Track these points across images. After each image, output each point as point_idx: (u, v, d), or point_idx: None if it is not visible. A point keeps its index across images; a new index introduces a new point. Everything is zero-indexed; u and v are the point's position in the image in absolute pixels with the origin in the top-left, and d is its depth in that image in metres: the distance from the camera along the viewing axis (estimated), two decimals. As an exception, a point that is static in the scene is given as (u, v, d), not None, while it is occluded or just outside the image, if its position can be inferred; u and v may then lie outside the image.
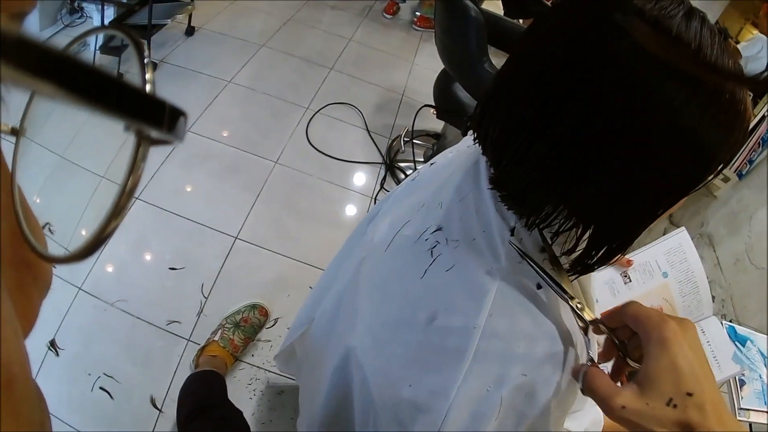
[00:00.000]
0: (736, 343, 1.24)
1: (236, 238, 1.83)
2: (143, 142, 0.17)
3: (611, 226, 0.48)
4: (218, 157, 2.10)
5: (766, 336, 1.32)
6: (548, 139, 0.43)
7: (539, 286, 0.53)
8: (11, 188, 0.22)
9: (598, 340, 0.55)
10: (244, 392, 1.49)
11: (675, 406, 0.43)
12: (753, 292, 1.65)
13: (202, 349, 1.47)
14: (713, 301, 1.70)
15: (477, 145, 0.54)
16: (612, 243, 0.49)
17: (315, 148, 2.27)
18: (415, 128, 2.30)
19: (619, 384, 0.48)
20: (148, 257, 1.73)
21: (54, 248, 0.21)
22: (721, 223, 1.81)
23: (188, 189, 1.96)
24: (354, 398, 0.63)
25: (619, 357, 0.51)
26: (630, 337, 0.51)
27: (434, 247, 0.57)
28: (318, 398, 0.71)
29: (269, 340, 1.60)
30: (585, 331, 0.53)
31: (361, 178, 2.23)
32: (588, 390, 0.47)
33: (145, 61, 0.18)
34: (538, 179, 0.46)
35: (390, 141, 2.43)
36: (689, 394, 0.43)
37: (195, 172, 2.01)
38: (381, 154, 2.34)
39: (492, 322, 0.50)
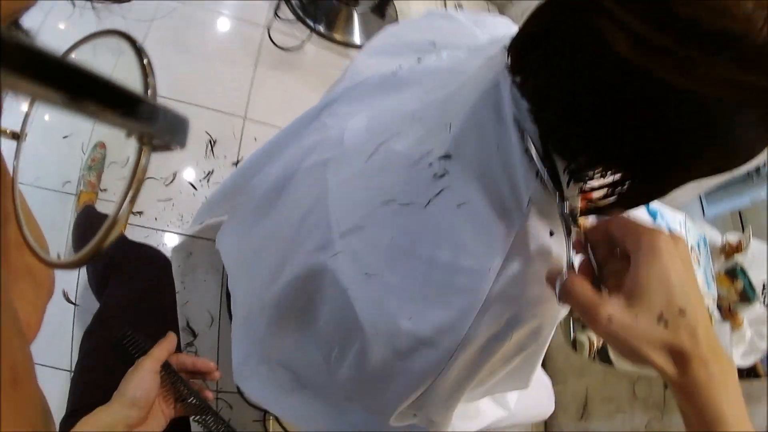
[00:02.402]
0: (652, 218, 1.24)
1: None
2: (145, 149, 0.17)
3: (643, 183, 0.46)
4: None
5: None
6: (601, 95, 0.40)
7: (552, 233, 0.49)
8: (13, 194, 0.22)
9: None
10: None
11: (666, 323, 0.40)
12: None
13: (77, 203, 1.33)
14: None
15: (501, 60, 0.48)
16: (638, 198, 0.47)
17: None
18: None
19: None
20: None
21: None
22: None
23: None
24: (320, 312, 0.62)
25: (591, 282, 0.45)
26: (606, 260, 0.46)
27: (442, 176, 0.52)
28: (265, 293, 0.69)
29: (170, 199, 1.38)
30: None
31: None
32: (568, 297, 0.43)
33: (147, 68, 0.17)
34: (581, 129, 0.43)
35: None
36: (682, 312, 0.40)
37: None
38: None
39: (507, 266, 0.49)
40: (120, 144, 1.41)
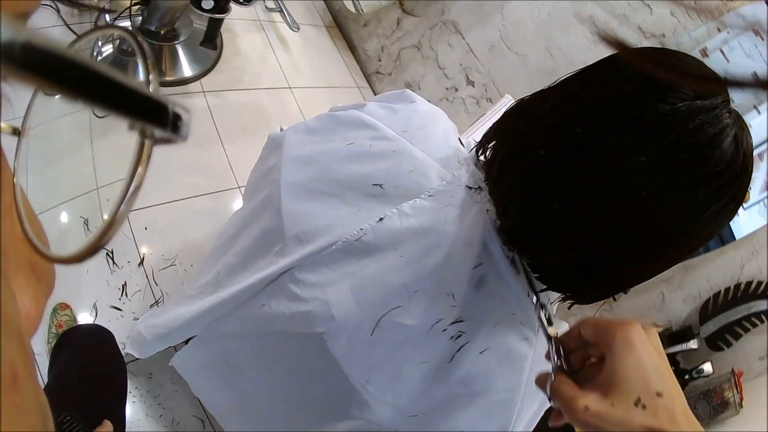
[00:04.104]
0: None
1: None
2: (147, 141, 0.17)
3: (615, 282, 0.53)
4: None
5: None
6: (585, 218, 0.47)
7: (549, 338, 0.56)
8: (13, 189, 0.22)
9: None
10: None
11: (644, 407, 0.40)
12: (516, 75, 1.83)
13: None
14: (473, 86, 1.93)
15: (478, 205, 0.58)
16: (610, 292, 0.55)
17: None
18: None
19: None
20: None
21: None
22: (466, 13, 1.91)
23: None
24: None
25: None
26: (580, 366, 0.49)
27: (458, 336, 0.58)
28: None
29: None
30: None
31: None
32: (555, 396, 0.46)
33: (148, 61, 0.17)
34: (565, 243, 0.50)
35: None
36: (659, 394, 0.40)
37: None
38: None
39: (531, 374, 0.59)
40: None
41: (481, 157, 0.61)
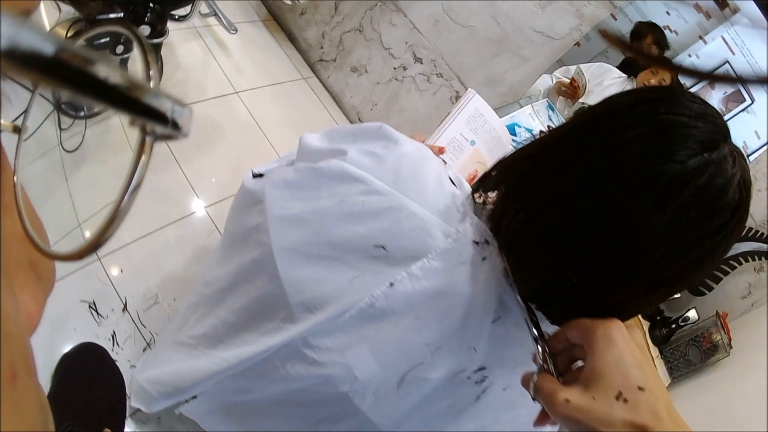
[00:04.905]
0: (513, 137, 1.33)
1: None
2: (148, 137, 0.18)
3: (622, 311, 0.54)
4: None
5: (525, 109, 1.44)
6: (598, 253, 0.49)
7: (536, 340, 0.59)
8: (13, 186, 0.22)
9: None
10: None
11: (625, 401, 0.40)
12: (464, 47, 1.83)
13: None
14: (422, 63, 1.92)
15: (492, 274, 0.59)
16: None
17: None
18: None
19: None
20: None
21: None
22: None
23: None
24: None
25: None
26: (566, 369, 0.50)
27: (482, 381, 0.62)
28: None
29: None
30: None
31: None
32: (538, 393, 0.47)
33: (148, 57, 0.18)
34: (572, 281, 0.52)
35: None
36: (641, 389, 0.40)
37: None
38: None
39: None
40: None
41: (479, 200, 0.64)
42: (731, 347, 1.39)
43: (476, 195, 0.65)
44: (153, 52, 0.18)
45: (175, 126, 0.17)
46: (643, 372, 0.42)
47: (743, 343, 1.39)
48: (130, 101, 0.16)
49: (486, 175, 0.62)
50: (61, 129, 1.34)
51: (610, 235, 0.47)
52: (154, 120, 0.17)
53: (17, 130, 0.24)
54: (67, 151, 1.35)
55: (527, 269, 0.55)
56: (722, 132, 0.46)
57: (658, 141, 0.45)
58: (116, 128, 1.48)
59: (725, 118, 0.49)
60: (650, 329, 1.53)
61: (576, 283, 0.50)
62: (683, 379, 1.46)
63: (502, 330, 0.59)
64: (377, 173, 0.66)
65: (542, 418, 0.51)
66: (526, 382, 0.49)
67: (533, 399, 0.48)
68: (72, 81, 0.14)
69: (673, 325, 1.50)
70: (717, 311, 1.47)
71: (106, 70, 0.14)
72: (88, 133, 1.39)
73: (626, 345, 0.43)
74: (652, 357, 1.42)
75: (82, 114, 1.38)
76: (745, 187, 0.47)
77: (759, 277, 1.49)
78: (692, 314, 1.49)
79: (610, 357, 0.42)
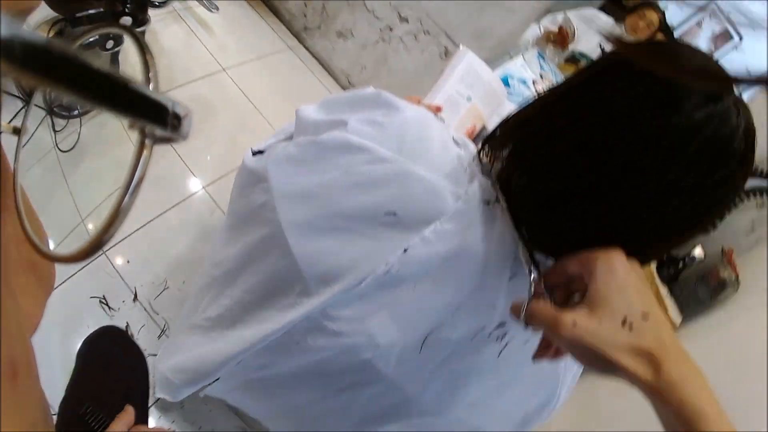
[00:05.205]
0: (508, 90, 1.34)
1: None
2: (147, 141, 0.17)
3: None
4: None
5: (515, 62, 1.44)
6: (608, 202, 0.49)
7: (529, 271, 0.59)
8: (14, 188, 0.22)
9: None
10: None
11: (631, 326, 0.40)
12: (449, 4, 1.81)
13: None
14: (407, 22, 1.90)
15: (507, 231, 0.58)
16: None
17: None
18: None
19: None
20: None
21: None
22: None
23: None
24: None
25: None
26: (563, 303, 0.49)
27: (502, 337, 0.63)
28: None
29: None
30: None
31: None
32: (533, 318, 0.45)
33: (149, 60, 0.17)
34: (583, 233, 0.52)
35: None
36: (645, 315, 0.40)
37: None
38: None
39: None
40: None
41: (484, 159, 0.64)
42: (739, 283, 1.39)
43: (481, 155, 0.64)
44: (152, 54, 0.17)
45: (176, 129, 0.17)
46: (646, 299, 0.42)
47: (751, 279, 1.39)
48: (129, 104, 0.15)
49: (491, 136, 0.62)
50: (55, 132, 1.33)
51: (618, 196, 0.47)
52: (153, 122, 0.16)
53: (17, 131, 0.24)
54: (64, 152, 1.34)
55: (535, 227, 0.56)
56: (725, 83, 0.45)
57: (662, 95, 0.45)
58: (111, 122, 1.47)
59: (714, 57, 0.48)
60: (657, 268, 1.52)
61: (586, 241, 0.50)
62: (694, 318, 1.45)
63: (520, 285, 0.59)
64: (381, 141, 0.65)
65: (543, 350, 0.51)
66: (516, 310, 0.48)
67: (525, 326, 0.47)
68: (71, 83, 0.14)
69: (680, 264, 1.50)
70: (723, 248, 1.47)
71: (105, 73, 0.14)
72: (83, 129, 1.38)
73: (627, 273, 0.43)
74: (661, 296, 1.42)
75: (75, 113, 1.36)
76: (749, 136, 0.47)
77: (761, 213, 1.49)
78: (698, 252, 1.49)
79: (613, 283, 0.42)
